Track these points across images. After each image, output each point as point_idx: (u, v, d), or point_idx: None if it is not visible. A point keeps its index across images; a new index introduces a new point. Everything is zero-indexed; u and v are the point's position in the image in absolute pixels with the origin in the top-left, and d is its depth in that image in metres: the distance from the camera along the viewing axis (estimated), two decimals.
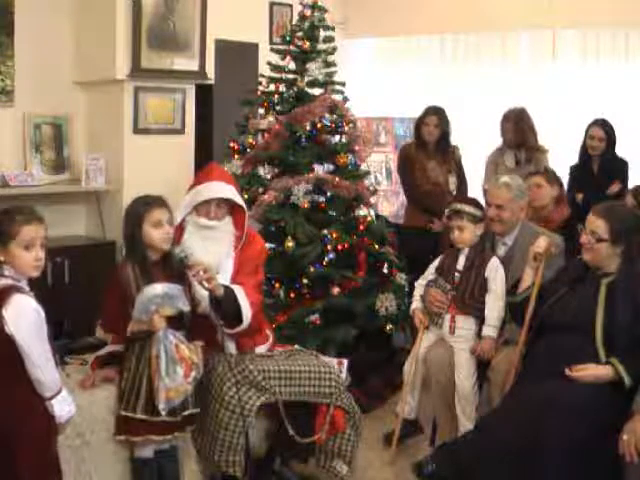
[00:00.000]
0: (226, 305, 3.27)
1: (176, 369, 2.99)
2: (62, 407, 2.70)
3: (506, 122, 5.44)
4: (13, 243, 2.64)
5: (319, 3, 4.95)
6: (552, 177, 4.70)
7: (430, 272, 3.99)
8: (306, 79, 4.92)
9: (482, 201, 4.16)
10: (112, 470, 3.14)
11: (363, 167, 5.02)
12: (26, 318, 2.56)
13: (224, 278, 3.36)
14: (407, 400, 3.95)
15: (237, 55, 6.05)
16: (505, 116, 5.46)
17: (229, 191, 3.46)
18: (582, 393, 3.09)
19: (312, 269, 4.48)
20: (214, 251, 3.37)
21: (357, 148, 4.90)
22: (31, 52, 5.10)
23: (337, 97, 4.94)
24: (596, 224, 3.33)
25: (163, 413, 3.00)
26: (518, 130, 5.37)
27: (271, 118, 4.83)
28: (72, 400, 2.78)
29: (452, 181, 5.43)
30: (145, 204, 3.18)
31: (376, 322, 4.73)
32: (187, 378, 3.02)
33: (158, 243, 3.15)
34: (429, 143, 5.40)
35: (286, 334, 4.16)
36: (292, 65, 4.95)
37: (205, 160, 4.78)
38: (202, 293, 3.26)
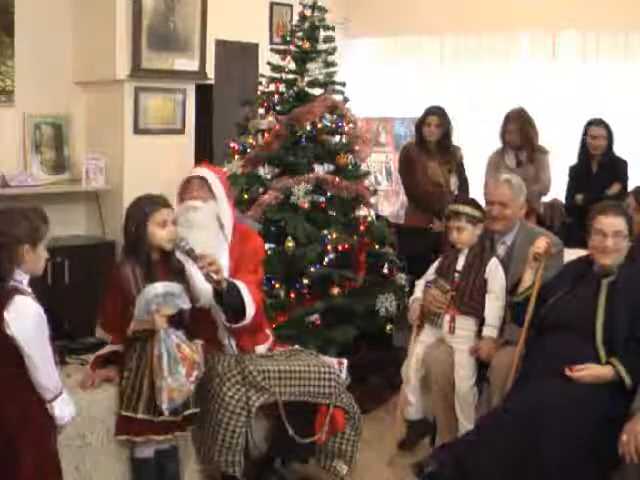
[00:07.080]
0: (230, 299, 3.25)
1: (178, 369, 2.98)
2: (63, 409, 2.69)
3: (510, 124, 5.38)
4: (41, 243, 2.65)
5: (319, 3, 4.95)
6: None
7: (430, 273, 4.00)
8: (306, 79, 4.92)
9: (482, 201, 4.15)
10: (112, 470, 3.14)
11: (363, 167, 5.02)
12: (27, 320, 2.55)
13: None
14: (409, 400, 3.94)
15: (237, 55, 6.06)
16: (507, 117, 5.42)
17: (208, 173, 3.46)
18: (582, 393, 3.10)
19: (312, 269, 4.48)
20: (200, 236, 3.30)
21: (357, 148, 4.90)
22: (31, 52, 5.10)
23: (337, 97, 4.94)
24: (617, 223, 3.29)
25: (166, 413, 2.99)
26: (522, 131, 5.35)
27: (271, 118, 4.83)
28: (72, 402, 2.77)
29: (453, 181, 5.43)
30: (152, 204, 3.15)
31: (376, 322, 4.72)
32: (189, 377, 3.02)
33: (163, 243, 3.15)
34: (430, 143, 5.40)
35: (286, 334, 4.16)
36: (292, 65, 4.95)
37: (205, 160, 4.78)
38: (203, 288, 3.24)
